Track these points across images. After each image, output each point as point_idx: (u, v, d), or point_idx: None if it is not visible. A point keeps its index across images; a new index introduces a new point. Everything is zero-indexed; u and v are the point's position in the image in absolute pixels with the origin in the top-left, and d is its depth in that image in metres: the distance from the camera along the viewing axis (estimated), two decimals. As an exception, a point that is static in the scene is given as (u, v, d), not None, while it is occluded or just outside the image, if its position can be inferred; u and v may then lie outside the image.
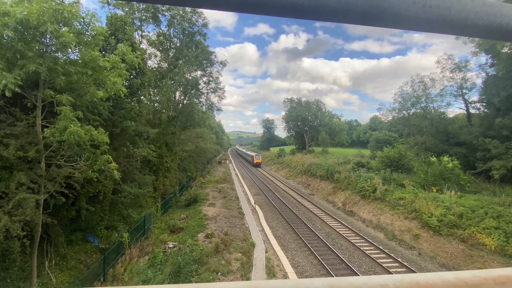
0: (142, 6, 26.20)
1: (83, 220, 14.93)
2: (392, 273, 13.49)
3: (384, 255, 15.89)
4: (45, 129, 9.98)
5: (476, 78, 26.95)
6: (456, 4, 0.55)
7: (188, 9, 28.62)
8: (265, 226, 20.54)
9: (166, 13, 27.92)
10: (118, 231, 16.62)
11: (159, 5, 26.47)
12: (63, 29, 9.62)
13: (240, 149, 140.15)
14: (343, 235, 18.92)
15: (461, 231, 15.78)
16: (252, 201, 28.32)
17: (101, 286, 12.26)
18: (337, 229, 19.98)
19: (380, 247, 16.81)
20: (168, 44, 29.89)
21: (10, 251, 10.22)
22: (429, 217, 17.68)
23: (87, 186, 14.02)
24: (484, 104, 26.11)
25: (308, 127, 68.92)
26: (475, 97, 28.30)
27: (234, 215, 22.42)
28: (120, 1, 24.45)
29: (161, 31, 28.96)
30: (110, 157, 11.88)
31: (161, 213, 22.24)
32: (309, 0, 0.54)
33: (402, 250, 16.94)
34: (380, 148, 35.85)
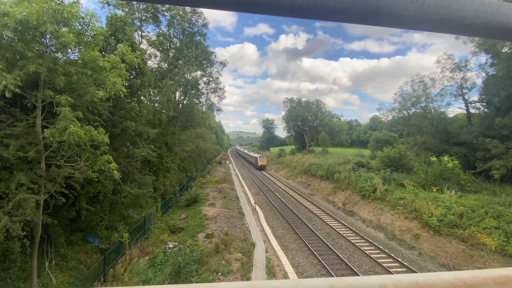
0: (142, 6, 26.21)
1: (83, 221, 14.93)
2: (392, 273, 13.50)
3: (384, 255, 15.88)
4: (45, 130, 9.99)
5: (476, 78, 26.99)
6: (454, 3, 0.55)
7: (188, 9, 28.66)
8: (265, 226, 20.54)
9: (166, 13, 27.94)
10: (118, 231, 16.62)
11: (159, 5, 26.47)
12: (63, 29, 9.62)
13: (241, 149, 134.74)
14: (343, 235, 18.91)
15: (461, 231, 15.78)
16: (252, 201, 28.32)
17: (101, 286, 12.26)
18: (337, 229, 19.98)
19: (380, 247, 16.80)
20: (168, 44, 29.90)
21: (10, 252, 10.22)
22: (429, 217, 17.67)
23: (87, 186, 14.02)
24: (484, 104, 26.11)
25: (308, 127, 68.92)
26: (475, 97, 28.36)
27: (234, 215, 22.42)
28: (120, 1, 24.47)
29: (161, 31, 28.99)
30: (110, 157, 11.88)
31: (161, 213, 22.24)
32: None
33: (402, 250, 16.93)
34: (380, 148, 35.85)
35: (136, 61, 12.44)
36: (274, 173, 54.70)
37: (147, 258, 14.51)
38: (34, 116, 10.61)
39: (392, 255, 15.83)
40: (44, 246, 12.73)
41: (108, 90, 11.22)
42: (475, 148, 23.44)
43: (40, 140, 10.41)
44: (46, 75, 9.75)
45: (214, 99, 32.52)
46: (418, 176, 23.72)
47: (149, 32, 32.27)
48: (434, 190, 20.87)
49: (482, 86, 25.68)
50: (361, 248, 16.51)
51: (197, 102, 31.77)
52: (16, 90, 8.69)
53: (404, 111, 33.65)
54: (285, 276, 13.07)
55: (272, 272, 13.28)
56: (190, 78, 28.69)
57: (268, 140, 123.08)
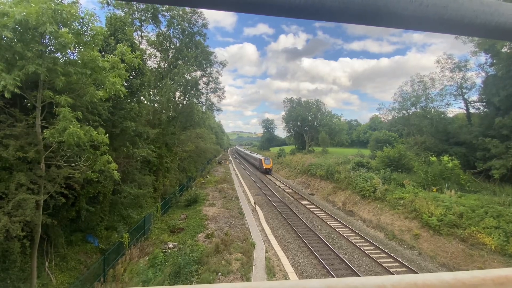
0: (141, 6, 26.20)
1: (83, 221, 14.92)
2: (392, 273, 13.51)
3: (384, 255, 15.89)
4: (44, 130, 9.98)
5: (476, 77, 27.01)
6: (453, 3, 0.55)
7: (187, 9, 28.63)
8: (265, 226, 20.53)
9: (165, 14, 27.94)
10: (118, 232, 16.61)
11: (158, 6, 26.48)
12: (62, 29, 9.62)
13: (242, 149, 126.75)
14: (343, 235, 18.91)
15: (461, 231, 15.78)
16: (252, 201, 28.32)
17: (101, 286, 12.26)
18: (337, 229, 19.98)
19: (380, 247, 16.80)
20: (167, 44, 29.89)
21: (10, 252, 10.21)
22: (429, 216, 17.67)
23: (87, 186, 14.02)
24: (484, 103, 26.12)
25: (308, 127, 68.93)
26: (474, 97, 28.36)
27: (234, 215, 22.42)
28: (120, 1, 24.46)
29: (160, 31, 28.99)
30: (110, 157, 11.87)
31: (161, 214, 22.23)
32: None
33: (402, 250, 16.94)
34: (380, 148, 35.86)
35: (136, 61, 12.42)
36: (274, 173, 54.69)
37: (147, 258, 14.51)
38: (34, 116, 10.61)
39: (392, 255, 15.83)
40: (44, 247, 12.72)
41: (107, 90, 11.22)
42: (475, 148, 23.45)
43: (40, 141, 10.40)
44: (45, 75, 9.74)
45: (214, 99, 32.58)
46: (418, 176, 23.73)
47: (148, 32, 32.34)
48: (434, 190, 20.88)
49: (482, 86, 25.70)
50: (361, 248, 16.51)
51: (197, 102, 31.78)
52: (15, 90, 8.68)
53: (404, 111, 33.68)
54: (285, 276, 13.07)
55: (272, 272, 13.28)
56: (190, 78, 28.69)
57: (268, 140, 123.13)
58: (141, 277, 12.39)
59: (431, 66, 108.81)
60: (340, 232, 19.44)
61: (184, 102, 31.09)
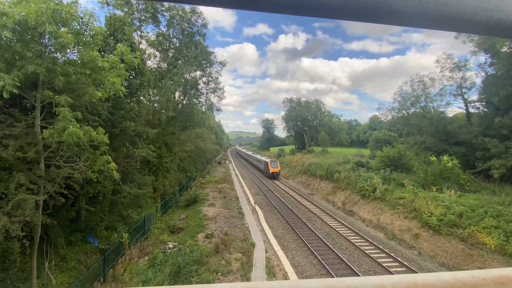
0: (141, 6, 26.22)
1: (83, 221, 14.91)
2: (392, 273, 13.51)
3: (384, 255, 15.89)
4: (44, 130, 9.97)
5: (476, 77, 27.01)
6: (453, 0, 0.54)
7: (187, 9, 28.66)
8: (265, 226, 20.53)
9: (165, 14, 27.94)
10: (118, 232, 16.60)
11: (158, 5, 26.49)
12: (62, 29, 9.60)
13: (242, 150, 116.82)
14: (343, 234, 18.91)
15: (461, 231, 15.78)
16: (252, 201, 28.31)
17: (101, 287, 12.25)
18: (337, 229, 19.98)
19: (380, 247, 16.81)
20: (167, 44, 29.89)
21: (9, 252, 10.20)
22: (429, 216, 17.68)
23: (87, 186, 14.01)
24: (484, 103, 26.13)
25: (308, 127, 68.94)
26: (474, 97, 28.35)
27: (234, 215, 22.41)
28: (119, 1, 24.45)
29: (160, 31, 28.99)
30: (109, 157, 11.86)
31: (161, 214, 22.23)
32: None
33: (402, 250, 16.94)
34: (380, 148, 35.87)
35: (136, 61, 12.42)
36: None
37: (147, 258, 14.50)
38: (33, 116, 10.60)
39: (392, 254, 15.84)
40: (44, 247, 12.71)
41: (107, 90, 11.21)
42: (474, 148, 23.46)
43: (39, 141, 10.39)
44: (45, 76, 9.73)
45: (213, 99, 32.59)
46: (417, 176, 23.74)
47: (148, 32, 32.32)
48: (434, 189, 20.88)
49: (482, 85, 25.70)
50: (361, 248, 16.51)
51: (196, 102, 31.78)
52: (14, 90, 8.66)
53: (403, 111, 33.67)
54: (285, 276, 13.07)
55: (272, 272, 13.27)
56: (190, 78, 28.69)
57: (268, 140, 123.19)
58: (141, 277, 12.39)
59: (430, 66, 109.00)
60: (340, 232, 19.44)
61: (184, 102, 31.09)
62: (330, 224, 21.10)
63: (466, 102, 28.60)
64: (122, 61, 12.07)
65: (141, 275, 12.59)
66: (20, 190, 9.74)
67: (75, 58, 11.45)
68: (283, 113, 74.62)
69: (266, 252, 15.50)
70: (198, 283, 11.68)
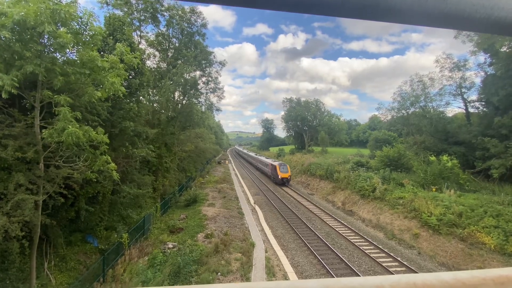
0: (141, 6, 26.19)
1: (83, 221, 14.89)
2: (392, 273, 13.52)
3: (383, 255, 15.90)
4: (43, 130, 9.95)
5: (475, 77, 27.06)
6: None
7: (187, 9, 28.64)
8: (265, 226, 20.53)
9: (165, 13, 27.91)
10: (118, 232, 16.58)
11: (158, 5, 26.48)
12: (61, 29, 9.58)
13: (244, 151, 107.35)
14: (343, 234, 18.92)
15: (461, 230, 15.80)
16: (252, 201, 28.31)
17: (100, 287, 12.23)
18: (336, 229, 19.99)
19: (380, 247, 16.82)
20: (167, 44, 29.86)
21: (9, 252, 10.18)
22: (428, 216, 17.69)
23: (86, 186, 13.99)
24: (483, 103, 26.15)
25: (308, 126, 68.96)
26: (474, 96, 28.40)
27: (234, 215, 22.41)
28: (119, 1, 24.43)
29: (160, 31, 28.95)
30: (109, 157, 11.84)
31: (160, 214, 22.21)
32: None
33: (402, 249, 16.95)
34: (380, 148, 35.89)
35: (135, 61, 12.40)
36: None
37: (147, 258, 14.48)
38: (33, 116, 10.58)
39: (391, 254, 15.85)
40: (43, 247, 12.69)
41: (106, 90, 11.19)
42: (474, 147, 23.49)
43: (39, 141, 10.37)
44: (44, 75, 9.71)
45: (213, 99, 32.58)
46: (417, 176, 23.75)
47: (148, 32, 32.32)
48: (433, 189, 20.89)
49: (481, 85, 25.73)
50: (361, 248, 16.52)
51: (196, 102, 31.77)
52: (12, 90, 8.65)
53: (403, 111, 33.69)
54: (285, 276, 13.07)
55: (271, 272, 13.27)
56: (189, 78, 28.68)
57: (268, 140, 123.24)
58: (141, 277, 12.37)
59: (430, 66, 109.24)
60: (340, 231, 19.45)
61: (184, 102, 31.07)
62: (330, 224, 21.10)
63: (466, 102, 28.64)
64: (122, 61, 12.04)
65: (140, 275, 12.57)
66: (19, 190, 9.72)
67: (74, 58, 11.44)
68: (282, 113, 74.65)
69: (266, 252, 15.50)
70: (198, 283, 11.66)
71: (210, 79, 31.32)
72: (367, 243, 17.51)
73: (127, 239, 15.50)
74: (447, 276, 0.62)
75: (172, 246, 15.54)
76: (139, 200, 20.25)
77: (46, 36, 9.74)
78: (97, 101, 12.36)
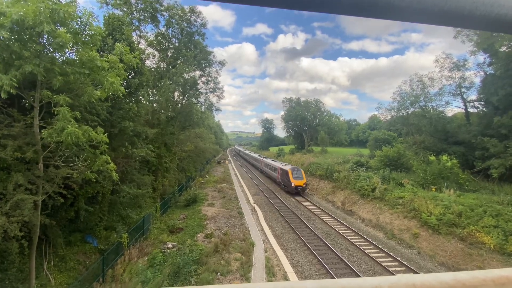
0: (140, 6, 26.17)
1: (82, 221, 14.87)
2: (391, 273, 13.52)
3: (383, 254, 15.91)
4: (42, 130, 9.93)
5: (475, 77, 27.08)
6: None
7: (186, 9, 28.63)
8: (265, 225, 20.53)
9: (164, 13, 27.90)
10: (117, 232, 16.57)
11: (157, 5, 26.45)
12: (60, 29, 9.56)
13: (246, 152, 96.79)
14: (343, 234, 18.93)
15: (460, 230, 15.81)
16: (252, 201, 28.31)
17: (100, 287, 12.22)
18: (336, 229, 20.00)
19: (380, 246, 16.83)
20: (166, 44, 29.85)
21: (8, 252, 10.17)
22: (428, 216, 17.70)
23: (86, 186, 13.97)
24: (483, 103, 26.16)
25: (307, 126, 68.99)
26: (473, 96, 28.42)
27: (234, 215, 22.40)
28: (118, 1, 24.40)
29: (159, 31, 28.95)
30: (108, 157, 11.83)
31: (160, 214, 22.20)
32: None
33: (402, 249, 16.96)
34: (379, 147, 35.91)
35: (135, 61, 12.37)
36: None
37: (146, 258, 14.47)
38: (32, 116, 10.55)
39: (391, 254, 15.86)
40: (43, 247, 12.68)
41: (106, 90, 11.17)
42: (473, 147, 23.50)
43: (38, 141, 10.35)
44: (43, 75, 9.69)
45: (213, 99, 32.58)
46: (417, 175, 23.76)
47: (147, 32, 32.29)
48: (433, 189, 20.90)
49: (481, 85, 25.74)
50: (360, 247, 16.53)
51: (196, 102, 31.77)
52: (11, 90, 8.63)
53: (403, 111, 33.72)
54: (284, 276, 13.07)
55: (271, 271, 13.27)
56: (189, 78, 28.67)
57: (267, 140, 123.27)
58: (140, 278, 12.35)
59: (429, 66, 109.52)
60: (340, 231, 19.46)
61: (183, 102, 31.06)
62: (330, 224, 21.11)
63: (465, 102, 28.66)
64: (121, 60, 12.02)
65: (140, 275, 12.56)
66: (19, 190, 9.70)
67: (73, 57, 11.41)
68: (282, 113, 74.67)
69: (266, 252, 15.49)
70: (198, 283, 11.64)
71: (209, 79, 31.34)
72: (367, 243, 17.52)
73: (127, 239, 15.49)
74: (446, 277, 0.61)
75: (171, 246, 15.53)
76: (138, 200, 20.24)
77: (45, 36, 9.71)
78: (96, 101, 12.33)
